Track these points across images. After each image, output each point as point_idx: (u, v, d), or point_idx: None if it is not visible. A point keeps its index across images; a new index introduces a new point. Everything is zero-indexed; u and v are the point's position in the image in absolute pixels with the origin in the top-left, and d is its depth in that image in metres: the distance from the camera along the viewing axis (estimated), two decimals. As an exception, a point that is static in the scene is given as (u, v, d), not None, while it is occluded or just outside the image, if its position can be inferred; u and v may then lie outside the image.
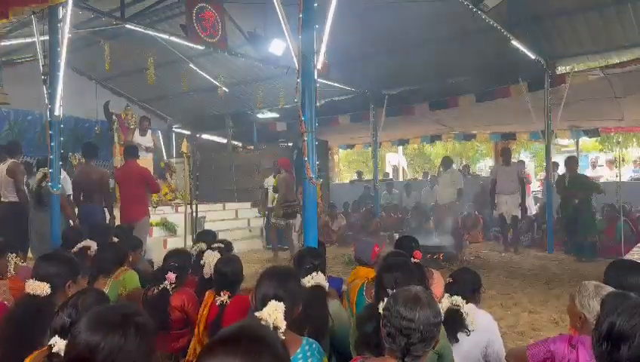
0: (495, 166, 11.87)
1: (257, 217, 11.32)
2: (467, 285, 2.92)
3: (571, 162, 8.99)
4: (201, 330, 3.06)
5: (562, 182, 8.86)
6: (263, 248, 10.36)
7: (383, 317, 1.86)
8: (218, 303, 3.06)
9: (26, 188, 6.62)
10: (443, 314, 2.67)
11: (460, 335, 2.69)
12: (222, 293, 3.09)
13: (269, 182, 10.15)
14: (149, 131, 9.93)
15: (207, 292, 3.25)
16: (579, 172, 9.14)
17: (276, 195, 9.18)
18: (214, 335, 1.19)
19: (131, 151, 7.34)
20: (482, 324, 2.76)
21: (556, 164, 11.81)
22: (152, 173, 7.35)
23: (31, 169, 6.97)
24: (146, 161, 9.45)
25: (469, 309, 2.72)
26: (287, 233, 9.13)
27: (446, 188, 9.60)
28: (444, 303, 2.72)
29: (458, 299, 2.72)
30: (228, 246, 4.44)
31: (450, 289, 2.84)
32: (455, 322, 2.69)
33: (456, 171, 10.72)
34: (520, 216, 9.51)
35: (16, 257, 3.87)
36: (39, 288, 2.48)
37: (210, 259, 3.61)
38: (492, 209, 10.28)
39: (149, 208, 7.42)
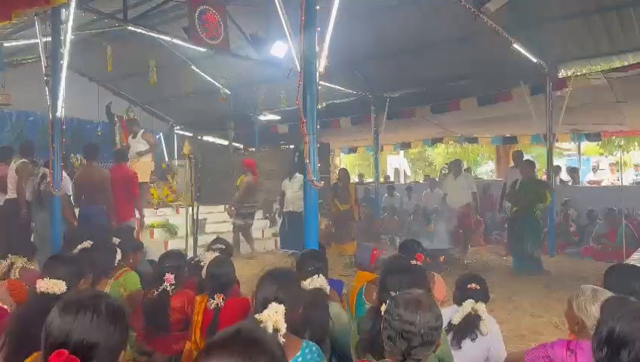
0: (507, 168, 11.85)
1: (260, 219, 11.31)
2: (487, 292, 2.95)
3: (525, 166, 8.27)
4: (197, 337, 3.01)
5: (513, 188, 8.17)
6: (264, 250, 10.34)
7: (383, 320, 1.86)
8: (212, 307, 3.03)
9: (31, 187, 6.69)
10: (460, 319, 2.69)
11: (464, 340, 2.69)
12: (216, 296, 3.05)
13: (286, 185, 9.96)
14: (140, 132, 9.59)
15: (197, 298, 3.19)
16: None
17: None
18: (211, 338, 1.19)
19: (119, 154, 7.70)
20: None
21: (558, 168, 11.81)
22: (135, 178, 7.40)
23: (37, 169, 7.03)
24: (145, 163, 9.45)
25: (486, 316, 2.75)
26: (247, 232, 9.29)
27: (460, 191, 9.52)
28: (466, 308, 2.72)
29: (482, 307, 2.74)
30: (228, 248, 4.44)
31: (475, 295, 2.82)
32: (470, 327, 2.70)
33: (470, 175, 10.72)
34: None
35: (27, 261, 3.87)
36: (55, 286, 2.47)
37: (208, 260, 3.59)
38: (500, 212, 10.27)
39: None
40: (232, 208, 9.17)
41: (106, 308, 1.46)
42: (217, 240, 4.89)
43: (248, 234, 9.37)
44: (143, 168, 8.99)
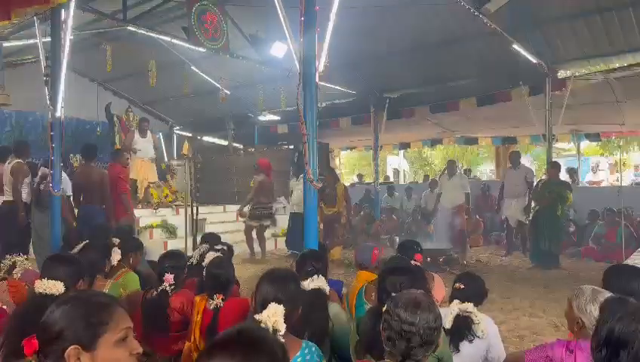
0: (505, 169, 11.86)
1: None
2: (478, 291, 2.87)
3: (552, 168, 8.69)
4: (197, 337, 3.01)
5: (537, 187, 8.70)
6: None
7: (383, 320, 1.86)
8: (212, 307, 3.02)
9: (27, 188, 6.66)
10: (451, 321, 2.66)
11: (461, 343, 2.67)
12: (215, 296, 3.05)
13: (292, 185, 9.90)
14: (149, 132, 9.90)
15: (196, 298, 3.18)
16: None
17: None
18: (212, 339, 1.19)
19: (114, 154, 7.93)
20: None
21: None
22: (121, 175, 7.43)
23: (35, 170, 7.00)
24: (148, 163, 9.56)
25: (481, 317, 2.69)
26: (261, 234, 9.21)
27: (453, 191, 9.53)
28: (454, 309, 2.70)
29: (469, 306, 2.68)
30: (230, 249, 4.44)
31: (460, 295, 2.77)
32: (463, 329, 2.66)
33: (465, 176, 10.72)
34: (525, 221, 9.27)
35: (26, 260, 3.86)
36: (54, 287, 2.45)
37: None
38: (497, 212, 10.26)
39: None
40: (247, 209, 9.08)
41: (73, 301, 1.45)
42: (211, 236, 4.89)
43: (262, 237, 9.23)
44: (152, 168, 9.64)
